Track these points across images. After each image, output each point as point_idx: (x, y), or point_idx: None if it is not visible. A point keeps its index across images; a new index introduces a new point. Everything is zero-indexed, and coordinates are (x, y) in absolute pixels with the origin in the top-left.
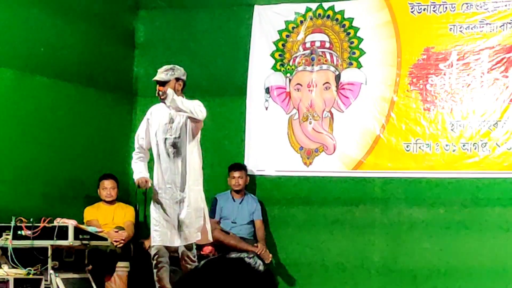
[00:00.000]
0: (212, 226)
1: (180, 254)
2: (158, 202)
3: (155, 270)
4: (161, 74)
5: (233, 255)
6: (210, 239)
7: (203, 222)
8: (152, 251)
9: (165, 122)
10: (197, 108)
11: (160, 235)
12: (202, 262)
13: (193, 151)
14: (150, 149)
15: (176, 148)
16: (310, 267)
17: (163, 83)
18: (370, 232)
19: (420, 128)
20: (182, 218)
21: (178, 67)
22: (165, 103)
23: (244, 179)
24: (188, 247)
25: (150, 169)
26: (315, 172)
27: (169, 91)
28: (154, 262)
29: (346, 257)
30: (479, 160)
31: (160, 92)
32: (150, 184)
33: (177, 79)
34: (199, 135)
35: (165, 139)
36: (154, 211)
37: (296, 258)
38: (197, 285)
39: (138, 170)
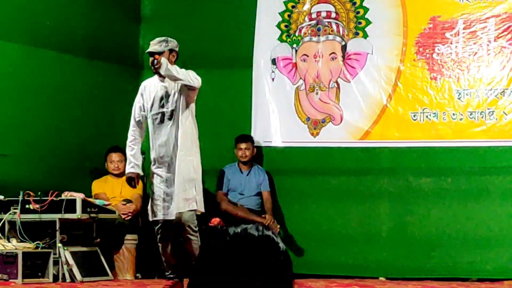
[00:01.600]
0: (220, 198)
1: (180, 225)
2: (157, 176)
3: (159, 244)
4: (155, 45)
5: (252, 229)
6: (201, 209)
7: (195, 192)
8: (156, 226)
9: (161, 96)
10: (192, 76)
11: (161, 209)
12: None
13: (186, 122)
14: (146, 125)
15: (172, 120)
16: (318, 238)
17: (156, 55)
18: (377, 202)
19: (427, 97)
20: (173, 189)
21: (171, 39)
22: (159, 73)
23: (251, 151)
24: (184, 217)
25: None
26: (322, 142)
27: (163, 60)
28: (159, 236)
29: (354, 227)
30: (486, 128)
31: (155, 61)
32: (139, 177)
33: (171, 51)
34: (193, 106)
35: (163, 113)
36: (153, 185)
37: (304, 228)
38: (219, 261)
39: (130, 160)
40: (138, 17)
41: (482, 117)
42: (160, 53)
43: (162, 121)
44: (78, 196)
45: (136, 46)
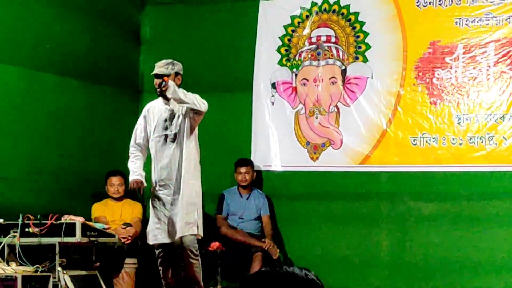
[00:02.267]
0: (220, 222)
1: (182, 249)
2: (158, 199)
3: (160, 268)
4: (161, 68)
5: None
6: (200, 234)
7: (196, 217)
8: (156, 250)
9: (165, 118)
10: (199, 100)
11: (161, 233)
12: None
13: (190, 145)
14: (147, 147)
15: (175, 143)
16: (318, 262)
17: (162, 77)
18: (377, 227)
19: (427, 122)
20: (174, 212)
21: (177, 62)
22: (165, 96)
23: (251, 175)
24: (186, 241)
25: (148, 166)
26: (322, 167)
27: (171, 82)
28: (159, 260)
29: (354, 252)
30: (486, 153)
31: (163, 83)
32: (144, 186)
33: (176, 74)
34: (196, 130)
35: (166, 135)
36: (153, 208)
37: (304, 253)
38: None
39: (134, 170)
40: (138, 41)
41: (482, 142)
42: (167, 76)
43: (165, 143)
44: (78, 220)
45: (136, 69)
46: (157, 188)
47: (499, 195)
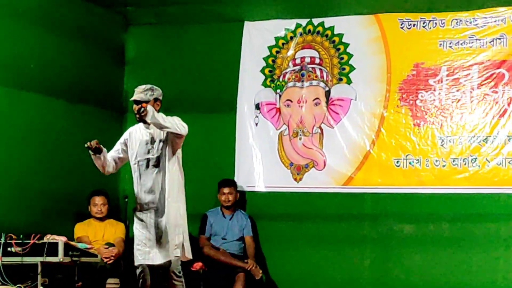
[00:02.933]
0: (203, 242)
1: (165, 271)
2: (142, 221)
3: None
4: (140, 94)
5: None
6: (189, 256)
7: (182, 239)
8: (138, 271)
9: (146, 142)
10: (179, 123)
11: (143, 254)
12: None
13: (173, 168)
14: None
15: (158, 167)
16: (301, 283)
17: (141, 103)
18: (360, 248)
19: (410, 143)
20: (160, 235)
21: (156, 87)
22: (144, 121)
23: (234, 195)
24: (171, 264)
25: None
26: (305, 188)
27: (149, 107)
28: (140, 281)
29: (337, 272)
30: (469, 175)
31: (141, 109)
32: (97, 144)
33: (156, 99)
34: (180, 152)
35: (148, 159)
36: (137, 230)
37: (287, 274)
38: None
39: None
40: (122, 61)
41: (465, 164)
42: (146, 102)
43: (147, 167)
44: (60, 239)
45: (120, 90)
46: (138, 211)
47: (481, 217)
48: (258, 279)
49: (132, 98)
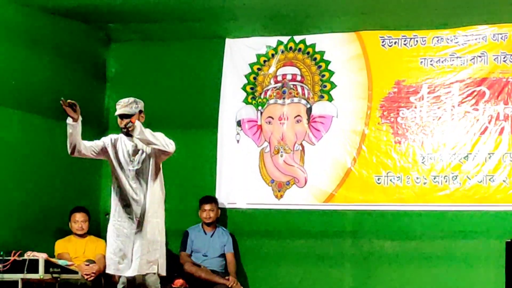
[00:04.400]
0: (184, 259)
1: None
2: (118, 230)
3: None
4: (126, 107)
5: None
6: (162, 273)
7: (158, 255)
8: (119, 284)
9: (129, 154)
10: (167, 141)
11: (114, 264)
12: None
13: (154, 183)
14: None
15: (138, 180)
16: None
17: (127, 117)
18: (341, 265)
19: (391, 161)
20: (134, 249)
21: (138, 100)
22: (131, 135)
23: (215, 212)
24: (147, 280)
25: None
26: (286, 205)
27: (137, 123)
28: None
29: None
30: (450, 192)
31: (129, 125)
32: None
33: (140, 112)
34: (160, 168)
35: (129, 170)
36: (110, 238)
37: None
38: None
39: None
40: (103, 78)
41: (446, 181)
42: (132, 115)
43: (128, 179)
44: (41, 256)
45: (102, 106)
46: (114, 219)
47: (462, 234)
48: None
49: (117, 113)
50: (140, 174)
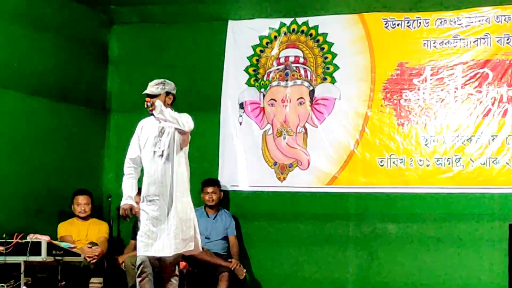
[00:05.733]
0: None
1: (163, 266)
2: (146, 213)
3: (138, 279)
4: (152, 87)
5: None
6: (200, 249)
7: (193, 232)
8: (137, 261)
9: (155, 135)
10: (184, 120)
11: (145, 246)
12: None
13: (180, 163)
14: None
15: (165, 160)
16: (285, 283)
17: (153, 97)
18: (344, 247)
19: (394, 143)
20: (168, 229)
21: (168, 81)
22: (153, 114)
23: (218, 195)
24: (172, 259)
25: (114, 186)
26: (289, 187)
27: (158, 102)
28: (139, 271)
29: (321, 272)
30: (453, 175)
31: (149, 103)
32: (135, 211)
33: (167, 93)
34: (187, 148)
35: (154, 152)
36: (140, 223)
37: (270, 273)
38: None
39: (125, 192)
40: (105, 60)
41: (449, 164)
42: (157, 96)
43: (154, 159)
44: (44, 239)
45: (104, 88)
46: (144, 203)
47: (465, 216)
48: (242, 279)
49: (144, 92)
50: (165, 155)
